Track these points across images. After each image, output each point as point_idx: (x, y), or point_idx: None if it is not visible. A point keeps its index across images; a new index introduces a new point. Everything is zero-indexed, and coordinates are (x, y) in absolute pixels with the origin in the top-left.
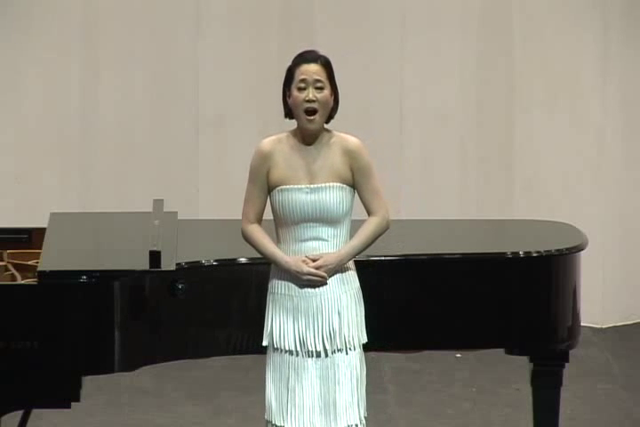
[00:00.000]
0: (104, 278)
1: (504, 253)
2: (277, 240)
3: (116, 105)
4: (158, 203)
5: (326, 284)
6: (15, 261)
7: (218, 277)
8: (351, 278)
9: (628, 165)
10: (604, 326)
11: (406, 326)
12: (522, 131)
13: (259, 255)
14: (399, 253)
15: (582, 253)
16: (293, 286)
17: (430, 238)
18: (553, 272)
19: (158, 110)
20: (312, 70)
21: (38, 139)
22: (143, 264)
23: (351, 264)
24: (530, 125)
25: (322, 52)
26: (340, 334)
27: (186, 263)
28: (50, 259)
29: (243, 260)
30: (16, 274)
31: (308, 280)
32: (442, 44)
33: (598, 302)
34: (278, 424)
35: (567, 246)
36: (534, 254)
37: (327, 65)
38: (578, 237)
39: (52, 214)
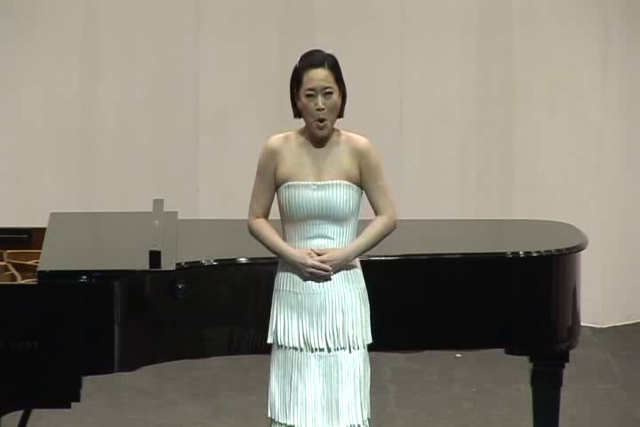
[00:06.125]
0: (104, 278)
1: (504, 253)
2: (284, 238)
3: (116, 105)
4: (158, 203)
5: (330, 279)
6: (15, 261)
7: (218, 277)
8: (357, 278)
9: (628, 165)
10: (604, 326)
11: (406, 326)
12: (522, 131)
13: (259, 255)
14: (399, 253)
15: (582, 253)
16: (298, 283)
17: (430, 238)
18: (553, 272)
19: (158, 110)
20: (319, 77)
21: (38, 139)
22: (143, 264)
23: (358, 264)
24: (530, 125)
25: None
26: (343, 332)
27: (186, 263)
28: (50, 259)
29: (243, 260)
30: (16, 274)
31: (311, 273)
32: (442, 44)
33: (598, 302)
34: (282, 422)
35: (567, 246)
36: (534, 254)
37: (334, 67)
38: (578, 237)
39: (52, 214)
